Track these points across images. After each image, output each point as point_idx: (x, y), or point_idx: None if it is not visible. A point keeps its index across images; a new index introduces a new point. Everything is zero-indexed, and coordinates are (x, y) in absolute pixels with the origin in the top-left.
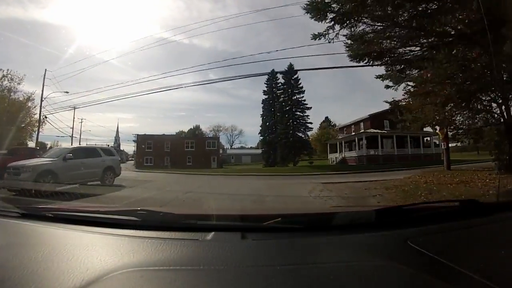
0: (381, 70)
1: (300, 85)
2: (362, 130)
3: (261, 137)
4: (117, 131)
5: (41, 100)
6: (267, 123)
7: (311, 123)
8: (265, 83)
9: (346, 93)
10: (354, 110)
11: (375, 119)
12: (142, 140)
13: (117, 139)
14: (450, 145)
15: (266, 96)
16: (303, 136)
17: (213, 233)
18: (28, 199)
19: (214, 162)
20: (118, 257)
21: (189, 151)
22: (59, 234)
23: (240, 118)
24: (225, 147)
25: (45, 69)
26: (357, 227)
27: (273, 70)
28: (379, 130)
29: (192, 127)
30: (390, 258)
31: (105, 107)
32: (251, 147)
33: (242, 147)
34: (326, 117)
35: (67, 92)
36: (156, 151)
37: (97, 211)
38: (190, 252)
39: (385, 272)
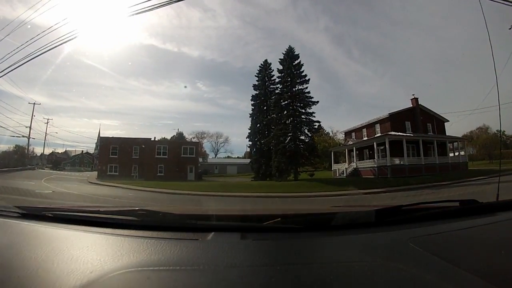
0: None
1: (303, 73)
2: (379, 134)
3: (250, 143)
4: (98, 137)
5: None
6: (258, 125)
7: (318, 122)
8: (255, 76)
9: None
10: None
11: (395, 120)
12: (106, 144)
13: (98, 146)
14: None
15: (257, 92)
16: (306, 139)
17: (213, 233)
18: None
19: (191, 173)
20: (118, 257)
21: (161, 159)
22: (59, 234)
23: (228, 128)
24: (208, 156)
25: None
26: (357, 227)
27: (266, 60)
28: (402, 133)
29: (175, 134)
30: (390, 258)
31: (90, 113)
32: (238, 157)
33: (228, 157)
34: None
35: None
36: (122, 158)
37: (97, 211)
38: (190, 252)
39: (385, 272)
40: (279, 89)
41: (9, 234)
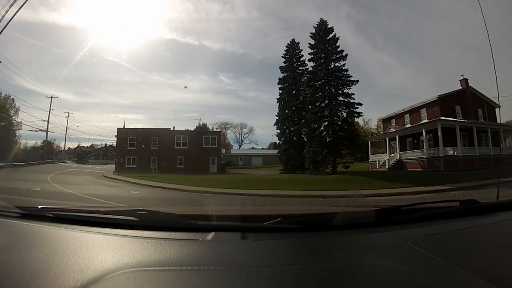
0: None
1: (339, 48)
2: (425, 120)
3: (278, 131)
4: None
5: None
6: (286, 111)
7: (359, 104)
8: (282, 57)
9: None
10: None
11: (445, 103)
12: (123, 136)
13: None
14: None
15: (284, 74)
16: (344, 125)
17: (213, 233)
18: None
19: (213, 165)
20: (118, 257)
21: (181, 150)
22: (59, 234)
23: (251, 120)
24: (232, 147)
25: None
26: (357, 227)
27: (293, 39)
28: (455, 119)
29: (198, 124)
30: (390, 258)
31: (115, 108)
32: (262, 148)
33: (253, 148)
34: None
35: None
36: (140, 150)
37: (98, 211)
38: (190, 252)
39: (385, 272)
40: (311, 68)
41: (9, 234)
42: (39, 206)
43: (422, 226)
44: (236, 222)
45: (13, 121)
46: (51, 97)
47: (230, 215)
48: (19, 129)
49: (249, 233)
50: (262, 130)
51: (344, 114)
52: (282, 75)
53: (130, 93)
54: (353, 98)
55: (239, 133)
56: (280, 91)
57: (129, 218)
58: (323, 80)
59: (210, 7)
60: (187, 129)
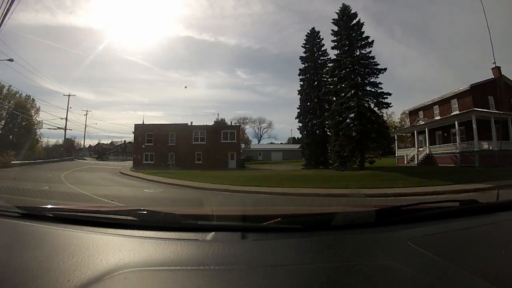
0: None
1: (364, 34)
2: (456, 112)
3: (300, 125)
4: None
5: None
6: (308, 103)
7: (388, 94)
8: (302, 46)
9: None
10: None
11: (478, 94)
12: (141, 132)
13: None
14: None
15: (305, 65)
16: (372, 117)
17: (213, 233)
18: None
19: (232, 161)
20: (118, 257)
21: (199, 145)
22: (59, 234)
23: (269, 115)
24: (251, 142)
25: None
26: (357, 227)
27: (313, 28)
28: (489, 110)
29: (216, 119)
30: (390, 258)
31: (135, 106)
32: (281, 143)
33: (271, 143)
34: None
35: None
36: (157, 146)
37: (98, 211)
38: (190, 252)
39: (385, 272)
40: (334, 56)
41: (9, 234)
42: (39, 206)
43: (422, 226)
44: (236, 222)
45: (34, 121)
46: (69, 95)
47: (230, 215)
48: (40, 128)
49: (249, 233)
50: (281, 125)
51: (372, 105)
52: (303, 65)
53: (149, 91)
54: (381, 88)
55: (258, 128)
56: (301, 83)
57: (129, 218)
58: (348, 69)
59: (225, 3)
60: (205, 124)
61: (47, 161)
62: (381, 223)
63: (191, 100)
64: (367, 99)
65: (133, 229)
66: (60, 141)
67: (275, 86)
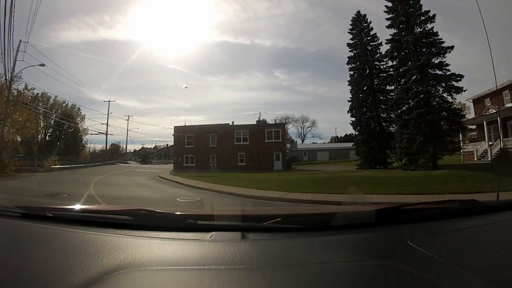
0: None
1: (423, 9)
2: None
3: (353, 119)
4: None
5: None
6: (360, 95)
7: (460, 76)
8: (348, 32)
9: None
10: None
11: None
12: (181, 134)
13: None
14: None
15: (354, 52)
16: (445, 104)
17: (213, 233)
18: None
19: (278, 162)
20: (118, 257)
21: (241, 146)
22: (59, 234)
23: (310, 114)
24: (296, 141)
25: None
26: (357, 227)
27: (358, 12)
28: None
29: (258, 119)
30: (390, 258)
31: (177, 111)
32: (323, 142)
33: (313, 143)
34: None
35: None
36: (198, 148)
37: (98, 211)
38: (190, 252)
39: (385, 272)
40: (390, 36)
41: (10, 234)
42: (40, 206)
43: (422, 226)
44: (236, 222)
45: (79, 128)
46: (109, 101)
47: (230, 215)
48: (85, 134)
49: (249, 233)
50: (322, 125)
51: (441, 90)
52: (351, 53)
53: (189, 96)
54: (449, 70)
55: (301, 127)
56: (351, 72)
57: (129, 218)
58: (410, 49)
59: (257, 5)
60: (248, 124)
61: (88, 165)
62: (381, 223)
63: (230, 103)
64: (434, 83)
65: (133, 229)
66: (107, 146)
67: (314, 85)
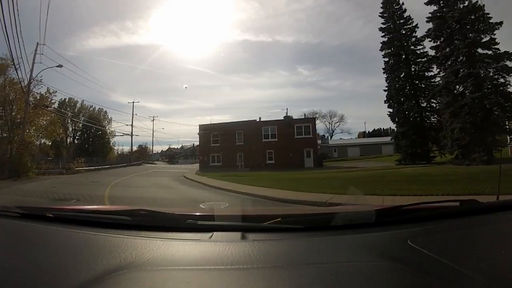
0: None
1: None
2: None
3: (390, 110)
4: None
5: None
6: (397, 84)
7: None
8: (379, 16)
9: None
10: None
11: None
12: (206, 132)
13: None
14: None
15: (388, 36)
16: (501, 87)
17: (213, 233)
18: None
19: (309, 159)
20: (119, 258)
21: (270, 143)
22: (59, 234)
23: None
24: (326, 136)
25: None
26: (357, 227)
27: None
28: None
29: (285, 115)
30: (390, 258)
31: (202, 111)
32: (351, 138)
33: (341, 138)
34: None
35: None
36: (224, 146)
37: (98, 211)
38: (191, 252)
39: (385, 272)
40: (430, 14)
41: (9, 234)
42: (40, 206)
43: (422, 226)
44: (236, 222)
45: (106, 130)
46: (133, 102)
47: (230, 215)
48: (113, 137)
49: (249, 233)
50: (348, 120)
51: (491, 72)
52: (384, 38)
53: (213, 96)
54: (498, 49)
55: (329, 123)
56: (385, 59)
57: (129, 218)
58: (452, 28)
59: (276, 1)
60: (276, 119)
61: (114, 166)
62: (381, 223)
63: (255, 101)
64: (484, 64)
65: (133, 229)
66: (135, 148)
67: (339, 79)
